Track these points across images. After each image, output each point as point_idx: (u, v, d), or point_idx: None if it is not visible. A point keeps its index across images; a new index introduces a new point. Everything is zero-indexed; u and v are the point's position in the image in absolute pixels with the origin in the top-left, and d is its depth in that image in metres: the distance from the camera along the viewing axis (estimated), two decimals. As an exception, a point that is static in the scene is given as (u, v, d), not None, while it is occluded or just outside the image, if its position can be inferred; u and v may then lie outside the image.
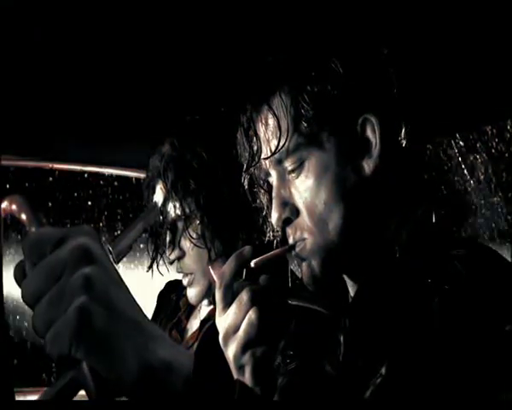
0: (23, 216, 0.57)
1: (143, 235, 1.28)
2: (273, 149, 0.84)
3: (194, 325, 1.38)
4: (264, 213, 1.32)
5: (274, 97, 0.85)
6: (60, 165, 2.00)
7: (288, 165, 0.85)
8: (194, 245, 1.26)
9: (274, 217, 0.86)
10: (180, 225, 1.28)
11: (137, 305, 0.53)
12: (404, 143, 0.86)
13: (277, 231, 1.36)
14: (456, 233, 0.81)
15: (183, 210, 1.26)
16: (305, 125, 0.83)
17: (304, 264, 0.85)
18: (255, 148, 0.88)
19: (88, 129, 1.68)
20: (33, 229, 0.54)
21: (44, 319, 0.47)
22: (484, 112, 1.61)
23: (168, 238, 1.30)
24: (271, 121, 0.85)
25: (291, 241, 0.86)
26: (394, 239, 0.81)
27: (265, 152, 0.87)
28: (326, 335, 0.84)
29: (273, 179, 0.89)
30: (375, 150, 0.83)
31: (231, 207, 1.25)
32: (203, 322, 1.29)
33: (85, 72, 1.41)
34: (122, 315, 0.49)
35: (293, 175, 0.85)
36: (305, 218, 0.84)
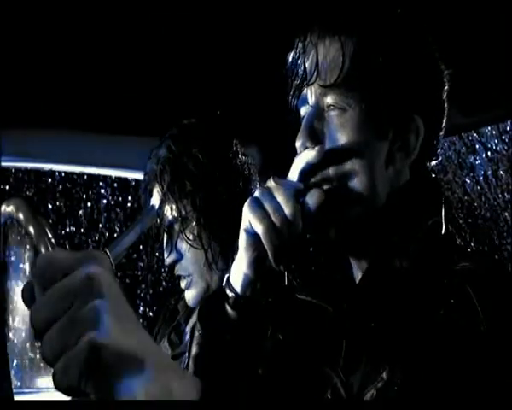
0: (23, 219, 0.57)
1: (141, 238, 1.28)
2: (325, 78, 0.83)
3: (192, 327, 1.38)
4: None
5: (347, 35, 0.83)
6: (59, 166, 2.00)
7: (332, 102, 0.83)
8: (191, 247, 1.26)
9: (299, 141, 0.85)
10: (177, 227, 1.28)
11: (147, 335, 0.53)
12: (436, 153, 0.88)
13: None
14: (463, 245, 0.81)
15: (179, 212, 1.26)
16: (362, 78, 0.82)
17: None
18: (310, 70, 0.85)
19: (88, 130, 1.68)
20: (43, 250, 0.54)
21: (54, 349, 0.47)
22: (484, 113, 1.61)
23: (165, 241, 1.30)
24: (334, 52, 0.83)
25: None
26: (402, 246, 0.81)
27: (316, 79, 0.84)
28: (329, 338, 0.84)
29: (310, 108, 0.86)
30: (413, 153, 0.84)
31: (228, 209, 1.25)
32: (201, 324, 1.29)
33: (86, 74, 1.42)
34: (133, 350, 0.49)
35: (331, 114, 0.83)
36: (328, 158, 0.83)
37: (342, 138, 0.82)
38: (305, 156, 0.83)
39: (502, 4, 1.18)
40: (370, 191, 0.82)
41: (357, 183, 0.82)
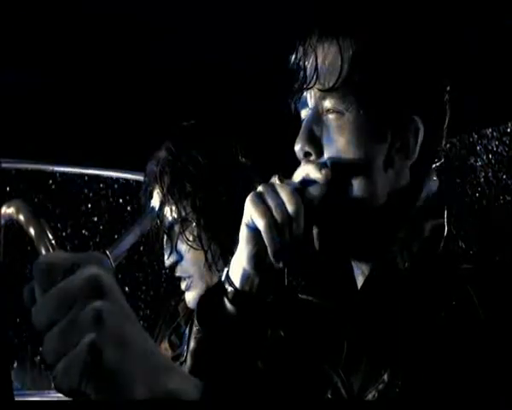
0: (23, 220, 0.57)
1: (141, 239, 1.29)
2: (324, 82, 0.82)
3: (192, 328, 1.38)
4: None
5: (345, 38, 0.82)
6: (60, 168, 2.00)
7: (330, 106, 0.83)
8: (191, 248, 1.26)
9: (298, 145, 0.85)
10: (177, 228, 1.28)
11: (147, 336, 0.53)
12: (438, 155, 0.88)
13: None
14: (466, 247, 0.81)
15: (179, 213, 1.26)
16: (361, 82, 0.81)
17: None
18: (309, 74, 0.84)
19: (88, 131, 1.68)
20: (43, 251, 0.54)
21: (55, 350, 0.48)
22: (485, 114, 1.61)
23: (165, 242, 1.30)
24: (332, 55, 0.83)
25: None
26: (403, 247, 0.81)
27: (315, 83, 0.84)
28: (331, 338, 0.84)
29: (308, 111, 0.86)
30: (412, 154, 0.83)
31: (227, 209, 1.25)
32: (201, 325, 1.29)
33: (85, 75, 1.42)
34: (133, 351, 0.49)
35: (330, 118, 0.83)
36: (328, 163, 0.83)
37: (341, 142, 0.82)
38: (305, 171, 0.83)
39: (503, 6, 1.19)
40: (370, 194, 0.82)
41: (356, 186, 0.82)
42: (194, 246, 1.26)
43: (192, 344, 0.89)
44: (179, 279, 1.33)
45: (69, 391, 0.47)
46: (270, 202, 0.79)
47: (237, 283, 0.86)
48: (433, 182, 0.88)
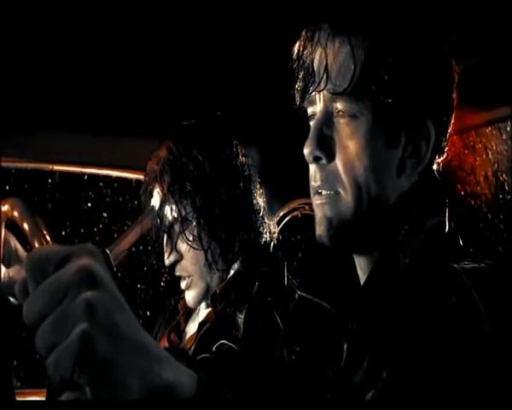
0: (17, 217, 0.57)
1: (141, 238, 1.29)
2: (335, 84, 0.80)
3: (192, 327, 1.39)
4: (261, 214, 1.33)
5: (357, 39, 0.80)
6: (59, 166, 2.00)
7: (342, 108, 0.81)
8: (191, 247, 1.27)
9: (307, 149, 0.83)
10: (177, 227, 1.29)
11: (140, 327, 0.52)
12: (443, 152, 0.87)
13: (274, 233, 1.36)
14: (466, 245, 0.81)
15: (179, 212, 1.27)
16: (373, 85, 0.79)
17: (322, 214, 0.84)
18: (318, 73, 0.82)
19: (88, 130, 1.68)
20: (37, 246, 0.54)
21: (47, 341, 0.47)
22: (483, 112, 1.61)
23: (165, 241, 1.31)
24: (343, 56, 0.80)
25: (318, 187, 0.84)
26: (406, 243, 0.81)
27: (326, 85, 0.82)
28: (331, 337, 0.84)
29: (318, 113, 0.84)
30: (424, 158, 0.83)
31: (227, 209, 1.26)
32: (201, 324, 1.30)
33: (86, 74, 1.42)
34: (125, 340, 0.49)
35: (341, 121, 0.81)
36: (339, 168, 0.82)
37: (353, 146, 0.80)
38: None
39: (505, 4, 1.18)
40: (381, 199, 0.82)
41: (368, 192, 0.81)
42: (194, 245, 1.26)
43: None
44: (179, 278, 1.34)
45: (61, 383, 0.47)
46: None
47: None
48: (435, 180, 0.88)
